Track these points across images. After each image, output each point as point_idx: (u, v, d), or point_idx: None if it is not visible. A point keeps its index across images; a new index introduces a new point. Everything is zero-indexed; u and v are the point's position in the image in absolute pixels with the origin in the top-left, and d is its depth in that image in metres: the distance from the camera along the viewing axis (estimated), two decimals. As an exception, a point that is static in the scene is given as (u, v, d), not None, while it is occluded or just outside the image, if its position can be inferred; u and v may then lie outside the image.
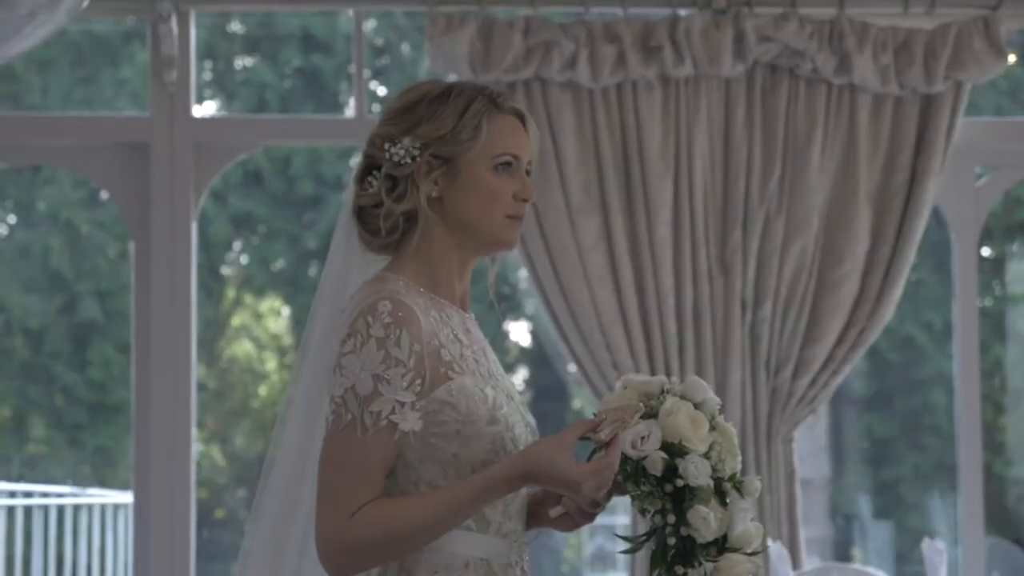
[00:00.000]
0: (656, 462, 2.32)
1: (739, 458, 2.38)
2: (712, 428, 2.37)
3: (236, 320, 10.01)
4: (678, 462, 2.32)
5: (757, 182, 4.84)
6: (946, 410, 8.07)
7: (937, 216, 5.09)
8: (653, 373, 4.71)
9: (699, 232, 4.81)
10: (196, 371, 4.99)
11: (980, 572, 4.98)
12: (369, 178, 2.40)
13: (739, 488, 2.37)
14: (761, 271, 4.83)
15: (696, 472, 2.32)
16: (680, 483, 2.32)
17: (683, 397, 2.37)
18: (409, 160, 2.36)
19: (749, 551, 2.35)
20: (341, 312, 2.35)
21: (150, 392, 4.91)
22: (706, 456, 2.34)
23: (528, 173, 2.44)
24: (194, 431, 4.94)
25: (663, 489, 2.33)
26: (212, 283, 9.72)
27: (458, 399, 2.30)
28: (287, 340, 9.91)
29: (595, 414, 2.38)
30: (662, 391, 2.38)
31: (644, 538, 2.37)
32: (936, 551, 4.51)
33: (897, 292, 4.85)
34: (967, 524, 5.01)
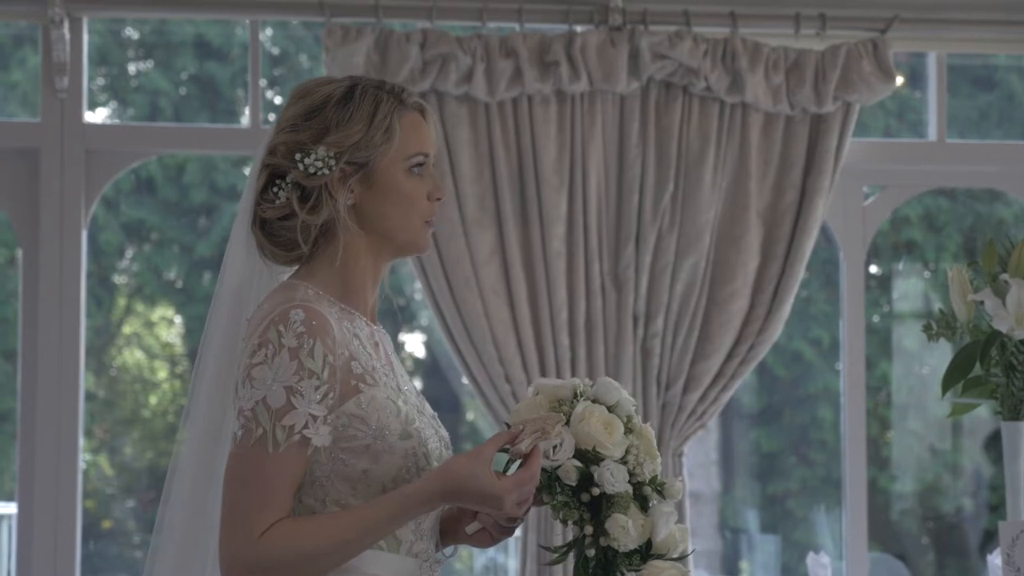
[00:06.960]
0: (570, 471, 2.24)
1: (659, 460, 2.29)
2: (629, 431, 2.28)
3: (127, 329, 9.88)
4: (593, 470, 2.24)
5: (650, 198, 4.88)
6: (833, 425, 8.18)
7: (826, 234, 5.17)
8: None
9: (592, 247, 4.85)
10: (84, 380, 4.93)
11: (863, 585, 5.06)
12: (274, 189, 2.27)
13: (660, 491, 2.28)
14: (653, 286, 4.87)
15: (612, 479, 2.24)
16: (596, 491, 2.24)
17: (595, 400, 2.28)
18: (326, 171, 2.24)
19: (675, 556, 2.27)
20: (248, 321, 2.24)
21: (36, 401, 4.84)
22: (622, 461, 2.26)
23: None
24: (81, 440, 4.88)
25: (579, 499, 2.25)
26: (103, 292, 9.58)
27: (369, 412, 2.21)
28: (179, 349, 9.79)
29: (508, 425, 2.30)
30: (575, 395, 2.29)
31: (566, 548, 2.29)
32: (821, 565, 4.57)
33: (786, 309, 4.92)
34: (852, 538, 5.09)
